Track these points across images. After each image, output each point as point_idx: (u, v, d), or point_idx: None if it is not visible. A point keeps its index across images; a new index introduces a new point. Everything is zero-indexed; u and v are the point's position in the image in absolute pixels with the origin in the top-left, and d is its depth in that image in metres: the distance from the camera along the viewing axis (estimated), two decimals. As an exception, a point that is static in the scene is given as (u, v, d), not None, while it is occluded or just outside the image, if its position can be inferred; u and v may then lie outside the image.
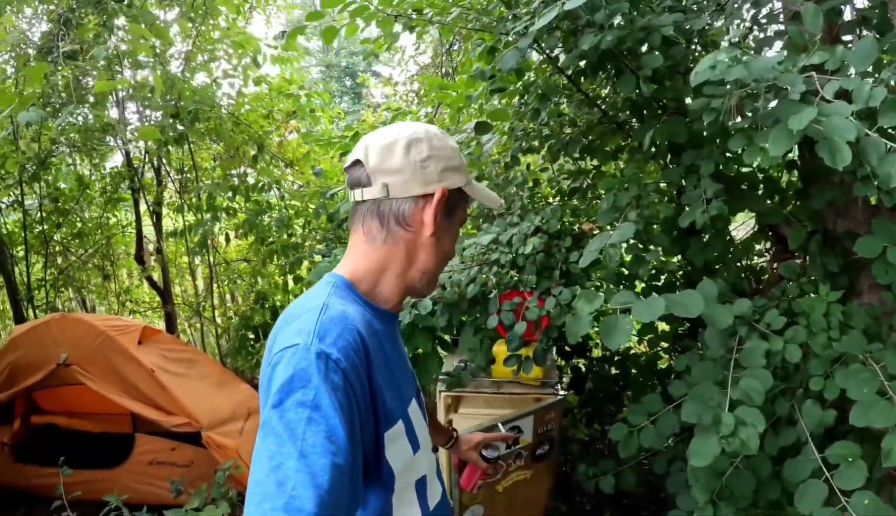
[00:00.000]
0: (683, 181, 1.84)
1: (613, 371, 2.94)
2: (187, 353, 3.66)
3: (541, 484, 2.27)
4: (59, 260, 4.84)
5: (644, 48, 1.83)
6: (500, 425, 2.07)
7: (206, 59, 3.43)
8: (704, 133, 1.92)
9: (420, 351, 2.47)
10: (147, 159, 4.72)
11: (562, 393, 2.31)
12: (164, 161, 4.68)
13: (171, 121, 2.90)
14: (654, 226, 2.01)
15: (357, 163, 1.02)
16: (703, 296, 1.29)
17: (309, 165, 3.59)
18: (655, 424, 1.71)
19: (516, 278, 2.13)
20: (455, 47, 4.48)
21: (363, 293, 1.03)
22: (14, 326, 3.78)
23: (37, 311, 4.42)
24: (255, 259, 3.64)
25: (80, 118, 3.78)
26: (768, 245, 2.59)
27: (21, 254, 4.27)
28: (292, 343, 0.85)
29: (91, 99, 3.99)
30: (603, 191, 2.87)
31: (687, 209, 1.69)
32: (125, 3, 2.70)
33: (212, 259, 4.26)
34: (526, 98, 2.22)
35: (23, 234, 4.17)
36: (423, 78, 3.06)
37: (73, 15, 2.66)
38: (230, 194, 3.47)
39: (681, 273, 2.61)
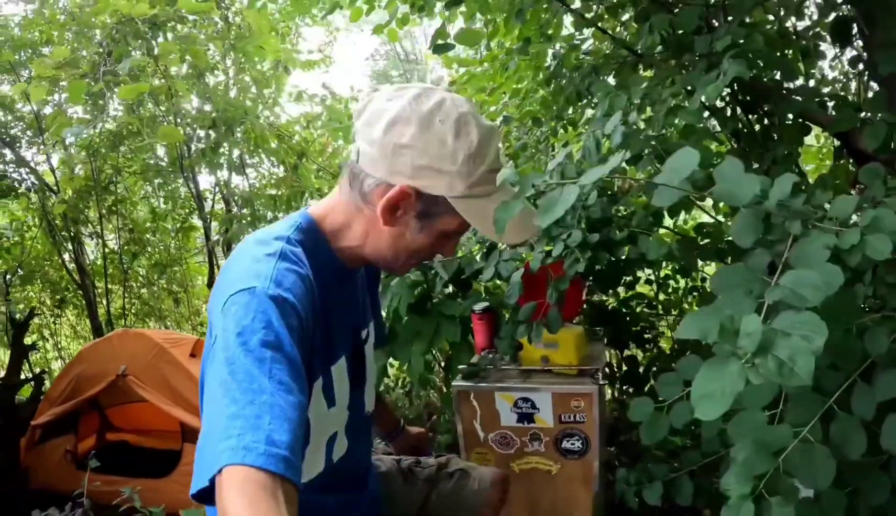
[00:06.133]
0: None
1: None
2: (240, 367, 3.65)
3: (575, 486, 1.93)
4: (143, 291, 5.15)
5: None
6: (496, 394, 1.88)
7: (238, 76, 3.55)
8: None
9: (449, 341, 2.25)
10: (217, 190, 4.98)
11: (602, 382, 1.95)
12: (232, 192, 4.89)
13: (207, 132, 3.00)
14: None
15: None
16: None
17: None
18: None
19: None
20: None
21: (327, 239, 1.00)
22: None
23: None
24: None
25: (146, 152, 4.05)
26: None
27: (102, 286, 4.57)
28: (250, 285, 0.84)
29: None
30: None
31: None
32: (165, 26, 2.87)
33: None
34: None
35: (103, 266, 4.49)
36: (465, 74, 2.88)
37: (113, 44, 2.86)
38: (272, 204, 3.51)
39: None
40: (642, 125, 1.40)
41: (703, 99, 1.29)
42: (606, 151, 1.39)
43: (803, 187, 1.81)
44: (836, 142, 2.19)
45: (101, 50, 3.19)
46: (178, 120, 3.57)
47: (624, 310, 2.55)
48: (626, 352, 2.50)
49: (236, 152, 3.66)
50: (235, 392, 0.73)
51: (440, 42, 1.95)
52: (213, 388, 0.76)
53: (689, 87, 1.47)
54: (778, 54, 1.84)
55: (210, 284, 5.07)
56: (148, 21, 3.17)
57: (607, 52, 2.08)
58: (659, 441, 1.17)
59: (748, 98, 2.21)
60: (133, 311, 4.96)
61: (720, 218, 2.51)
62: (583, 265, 1.57)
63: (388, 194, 0.91)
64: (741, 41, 1.38)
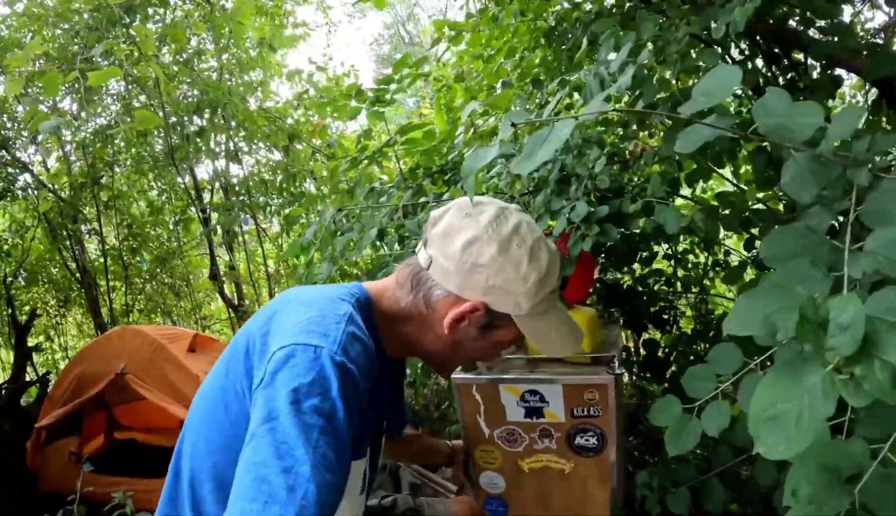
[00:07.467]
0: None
1: (703, 346, 2.27)
2: (242, 362, 3.55)
3: (591, 485, 1.75)
4: (146, 286, 5.07)
5: None
6: (500, 387, 1.72)
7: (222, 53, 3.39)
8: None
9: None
10: (215, 179, 4.85)
11: (619, 371, 1.75)
12: (227, 179, 4.76)
13: (192, 116, 2.85)
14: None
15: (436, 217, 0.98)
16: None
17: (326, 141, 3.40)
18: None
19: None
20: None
21: (377, 324, 0.99)
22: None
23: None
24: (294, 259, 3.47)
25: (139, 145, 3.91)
26: None
27: (104, 283, 4.50)
28: (314, 343, 0.81)
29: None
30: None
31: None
32: (144, 10, 2.72)
33: (269, 268, 4.21)
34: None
35: (103, 263, 4.40)
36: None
37: (90, 33, 2.72)
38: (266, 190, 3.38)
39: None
40: (657, 69, 1.20)
41: (726, 29, 1.09)
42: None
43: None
44: (868, 95, 1.97)
45: (78, 40, 3.04)
46: (166, 108, 3.42)
47: (640, 289, 2.34)
48: (645, 336, 2.30)
49: (228, 138, 3.50)
50: (270, 452, 0.70)
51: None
52: (258, 434, 0.73)
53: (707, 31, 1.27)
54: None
55: (213, 277, 4.97)
56: (124, 5, 3.01)
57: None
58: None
59: (771, 48, 1.98)
60: (137, 308, 4.88)
61: (742, 186, 2.30)
62: (589, 243, 1.38)
63: (460, 308, 0.94)
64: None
